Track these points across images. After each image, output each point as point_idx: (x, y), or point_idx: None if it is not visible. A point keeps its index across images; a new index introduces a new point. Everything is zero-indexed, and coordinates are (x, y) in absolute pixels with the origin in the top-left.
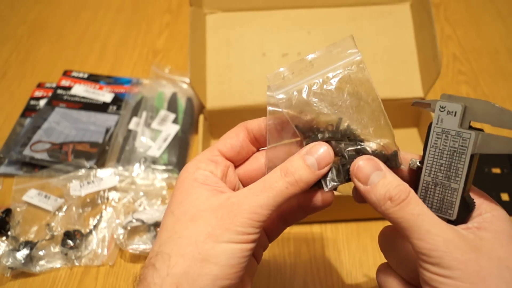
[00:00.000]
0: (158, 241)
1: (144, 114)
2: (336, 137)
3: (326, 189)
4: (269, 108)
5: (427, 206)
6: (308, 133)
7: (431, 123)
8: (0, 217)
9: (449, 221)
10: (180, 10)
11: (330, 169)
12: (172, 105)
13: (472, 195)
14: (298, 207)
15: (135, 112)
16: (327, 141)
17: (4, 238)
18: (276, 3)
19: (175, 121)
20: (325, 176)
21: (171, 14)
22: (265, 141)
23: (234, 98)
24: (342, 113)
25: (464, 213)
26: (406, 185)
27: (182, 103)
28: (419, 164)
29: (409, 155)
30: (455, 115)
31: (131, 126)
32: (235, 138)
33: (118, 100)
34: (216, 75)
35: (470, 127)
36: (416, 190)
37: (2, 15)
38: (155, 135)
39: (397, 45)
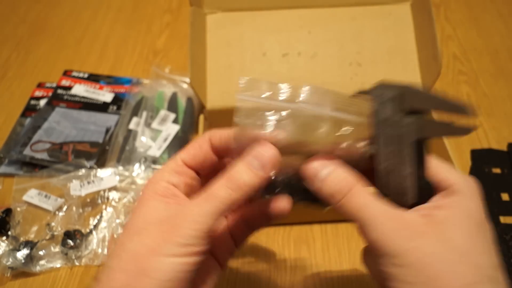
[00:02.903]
0: (108, 253)
1: (144, 114)
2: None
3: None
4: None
5: (385, 193)
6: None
7: (374, 111)
8: (0, 217)
9: (410, 206)
10: (180, 10)
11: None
12: (172, 105)
13: (435, 173)
14: (261, 215)
15: (135, 112)
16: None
17: (4, 238)
18: (276, 3)
19: (175, 121)
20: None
21: (171, 14)
22: (226, 151)
23: (234, 98)
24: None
25: (422, 198)
26: (353, 178)
27: (182, 103)
28: (372, 152)
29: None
30: (392, 102)
31: (131, 126)
32: (198, 148)
33: (118, 100)
34: (216, 75)
35: (411, 112)
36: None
37: (2, 15)
38: (155, 135)
39: (397, 45)
